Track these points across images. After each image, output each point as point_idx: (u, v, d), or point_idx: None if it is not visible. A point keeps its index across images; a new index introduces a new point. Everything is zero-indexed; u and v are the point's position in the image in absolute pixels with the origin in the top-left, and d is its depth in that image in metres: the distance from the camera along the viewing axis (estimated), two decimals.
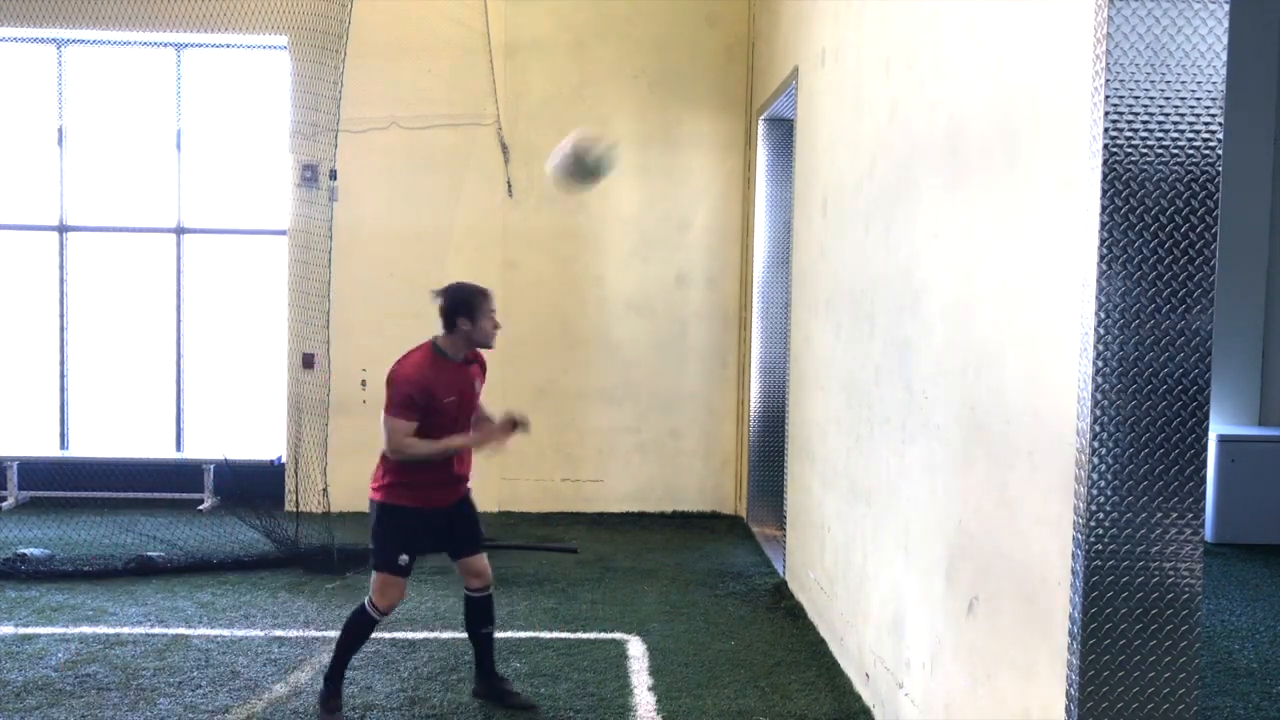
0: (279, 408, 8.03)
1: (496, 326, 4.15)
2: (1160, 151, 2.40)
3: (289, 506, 7.67)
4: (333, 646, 4.22)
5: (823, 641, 5.12)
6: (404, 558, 4.06)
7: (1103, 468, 2.44)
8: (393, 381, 4.01)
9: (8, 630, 5.14)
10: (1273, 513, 7.10)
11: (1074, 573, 2.51)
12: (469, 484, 4.28)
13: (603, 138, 4.22)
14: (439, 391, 4.01)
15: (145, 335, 8.42)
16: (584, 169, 4.17)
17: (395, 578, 4.08)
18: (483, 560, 4.29)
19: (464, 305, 4.06)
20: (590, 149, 4.14)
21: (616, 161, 4.26)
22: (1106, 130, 2.40)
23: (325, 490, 7.39)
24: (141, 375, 8.47)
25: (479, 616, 4.32)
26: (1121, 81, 2.39)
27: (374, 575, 4.11)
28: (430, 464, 4.07)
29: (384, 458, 4.09)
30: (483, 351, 4.25)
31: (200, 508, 7.99)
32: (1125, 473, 2.45)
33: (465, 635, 4.39)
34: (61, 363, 8.42)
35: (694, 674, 4.68)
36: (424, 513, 4.11)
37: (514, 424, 4.17)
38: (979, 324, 3.18)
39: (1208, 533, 7.17)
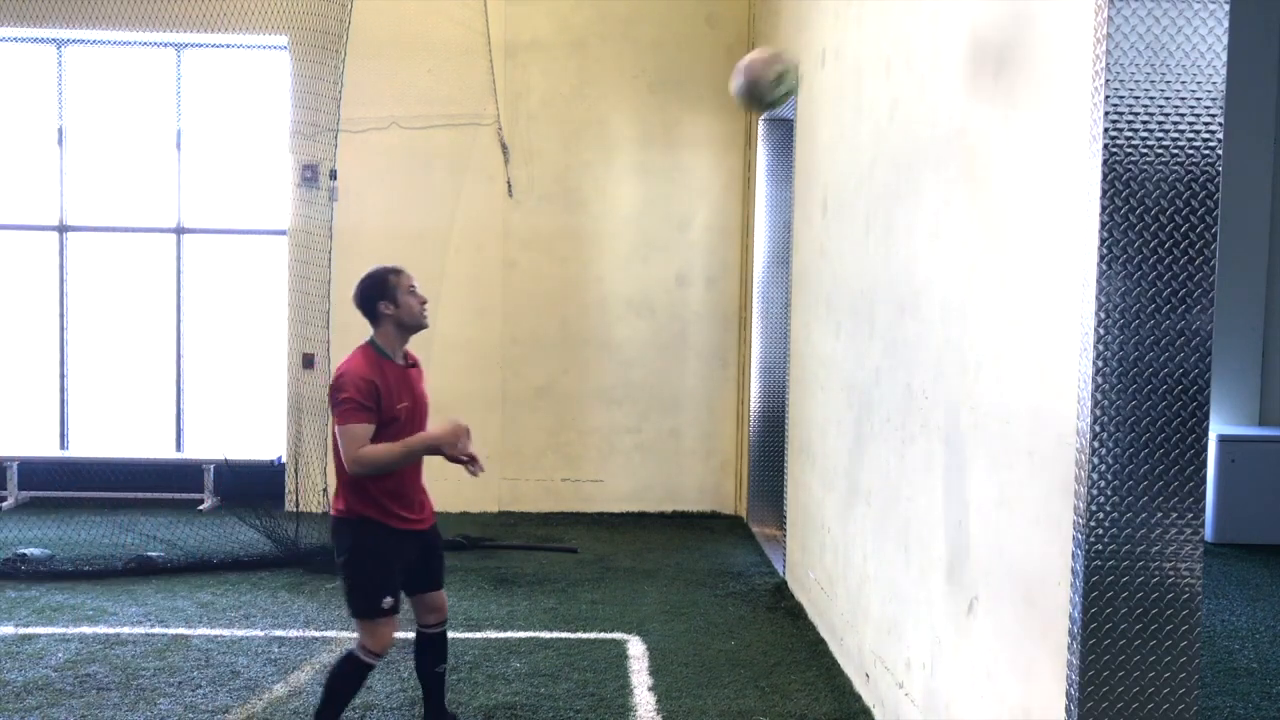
0: (279, 408, 8.03)
1: (423, 302, 3.78)
2: (1160, 151, 2.40)
3: (289, 506, 7.67)
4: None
5: (823, 641, 5.13)
6: (388, 599, 3.62)
7: (1103, 468, 2.44)
8: (340, 385, 3.57)
9: (8, 630, 5.14)
10: (1273, 513, 7.10)
11: (1074, 573, 2.51)
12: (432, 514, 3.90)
13: (775, 61, 3.67)
14: (390, 395, 3.61)
15: (145, 335, 8.42)
16: (761, 103, 3.72)
17: (388, 618, 3.65)
18: (444, 595, 3.98)
19: (377, 288, 3.72)
20: (760, 82, 3.62)
21: (794, 85, 3.73)
22: (1106, 130, 2.40)
23: (325, 490, 7.39)
24: (141, 375, 8.47)
25: (436, 654, 3.97)
26: (1121, 81, 2.39)
27: (360, 622, 3.66)
28: (395, 486, 3.66)
29: (343, 478, 3.64)
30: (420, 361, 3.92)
31: (200, 508, 7.99)
32: (1125, 473, 2.45)
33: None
34: (61, 363, 8.42)
35: (694, 674, 4.68)
36: (397, 534, 3.67)
37: (465, 428, 3.66)
38: (979, 324, 3.18)
39: (1208, 533, 7.17)
